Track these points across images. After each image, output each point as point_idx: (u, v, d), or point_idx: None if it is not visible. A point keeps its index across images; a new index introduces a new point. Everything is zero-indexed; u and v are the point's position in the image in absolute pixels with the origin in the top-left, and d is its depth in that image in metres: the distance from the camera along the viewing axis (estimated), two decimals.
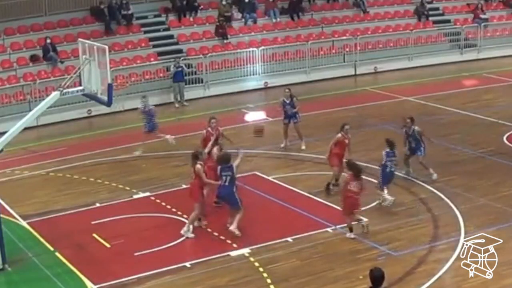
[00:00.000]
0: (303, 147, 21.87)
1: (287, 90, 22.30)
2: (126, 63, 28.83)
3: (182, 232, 16.20)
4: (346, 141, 18.30)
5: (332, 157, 18.34)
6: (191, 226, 16.25)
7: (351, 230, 15.95)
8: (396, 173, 19.33)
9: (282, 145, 22.16)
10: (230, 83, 29.92)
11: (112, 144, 23.00)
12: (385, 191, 17.47)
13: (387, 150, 17.66)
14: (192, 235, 16.17)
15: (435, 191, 18.20)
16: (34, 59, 28.11)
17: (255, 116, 25.37)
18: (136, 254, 15.44)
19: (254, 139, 22.57)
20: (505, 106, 26.01)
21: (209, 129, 18.59)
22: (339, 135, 18.23)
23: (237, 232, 15.94)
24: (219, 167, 16.15)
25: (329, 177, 18.97)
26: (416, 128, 18.79)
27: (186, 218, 16.88)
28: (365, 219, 16.14)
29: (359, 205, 15.97)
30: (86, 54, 15.85)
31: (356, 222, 16.03)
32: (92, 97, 16.33)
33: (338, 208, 17.31)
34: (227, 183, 16.01)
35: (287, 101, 22.01)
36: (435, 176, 18.79)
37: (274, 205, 17.93)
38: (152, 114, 21.98)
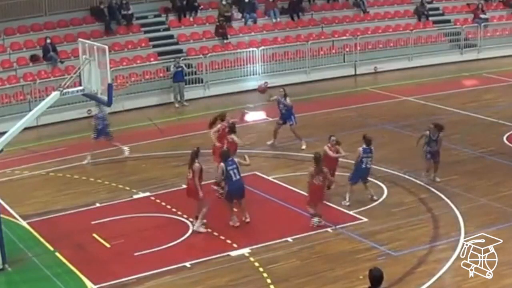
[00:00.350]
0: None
1: (281, 90, 22.28)
2: (126, 63, 28.82)
3: (194, 228, 16.34)
4: (331, 153, 17.74)
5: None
6: (204, 221, 16.37)
7: (317, 216, 16.45)
8: (396, 173, 19.40)
9: (269, 143, 22.11)
10: (230, 83, 29.91)
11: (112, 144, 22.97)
12: (349, 191, 17.78)
13: (364, 146, 17.75)
14: (204, 230, 16.31)
15: (435, 191, 18.20)
16: (34, 59, 28.10)
17: (255, 116, 25.36)
18: (136, 254, 15.44)
19: (254, 138, 22.64)
20: (505, 106, 26.01)
21: (225, 123, 18.93)
22: (325, 147, 17.85)
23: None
24: (223, 165, 16.22)
25: None
26: (441, 134, 18.45)
27: (186, 218, 16.91)
28: (316, 219, 16.44)
29: (322, 197, 16.67)
30: (86, 54, 15.85)
31: (313, 214, 16.49)
32: (92, 97, 16.34)
33: (339, 208, 17.38)
34: (237, 176, 16.31)
35: (282, 100, 22.01)
36: (437, 180, 18.70)
37: (274, 205, 17.93)
38: (105, 119, 21.54)
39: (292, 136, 22.21)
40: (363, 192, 17.98)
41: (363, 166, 17.69)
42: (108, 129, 21.65)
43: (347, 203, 17.61)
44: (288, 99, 22.00)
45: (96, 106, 21.52)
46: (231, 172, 16.26)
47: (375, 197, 17.88)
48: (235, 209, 16.60)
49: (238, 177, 16.36)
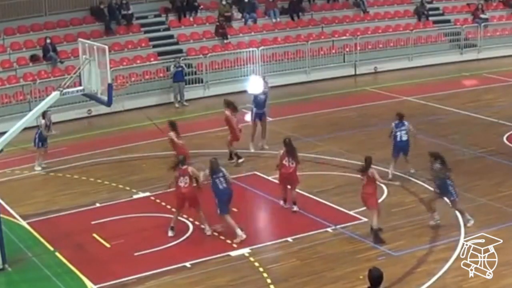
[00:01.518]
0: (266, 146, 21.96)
1: (265, 77, 22.61)
2: (126, 63, 28.83)
3: (208, 233, 16.21)
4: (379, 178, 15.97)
5: (369, 198, 15.78)
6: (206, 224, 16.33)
7: (285, 201, 17.41)
8: (396, 173, 19.37)
9: (252, 148, 21.81)
10: (230, 83, 29.90)
11: (112, 144, 22.99)
12: (392, 165, 18.86)
13: (396, 122, 18.95)
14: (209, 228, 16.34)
15: None
16: (34, 59, 28.11)
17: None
18: (136, 254, 15.45)
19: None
20: (505, 106, 26.01)
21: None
22: (374, 171, 15.69)
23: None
24: (208, 172, 15.99)
25: (329, 177, 19.03)
26: (437, 165, 16.02)
27: (186, 218, 16.89)
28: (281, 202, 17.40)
29: (296, 181, 17.27)
30: (86, 54, 15.86)
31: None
32: (92, 97, 16.34)
33: (339, 208, 17.38)
34: (225, 184, 15.89)
35: (265, 90, 22.06)
36: (471, 222, 16.11)
37: (274, 205, 17.92)
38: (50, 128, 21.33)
39: (290, 136, 22.14)
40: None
41: (398, 139, 18.78)
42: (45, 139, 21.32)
43: (390, 177, 18.46)
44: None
45: (46, 116, 21.09)
46: (216, 180, 15.84)
47: (411, 170, 18.96)
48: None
49: (225, 185, 15.87)
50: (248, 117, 23.59)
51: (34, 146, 21.25)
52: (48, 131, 21.12)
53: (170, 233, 16.28)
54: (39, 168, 21.10)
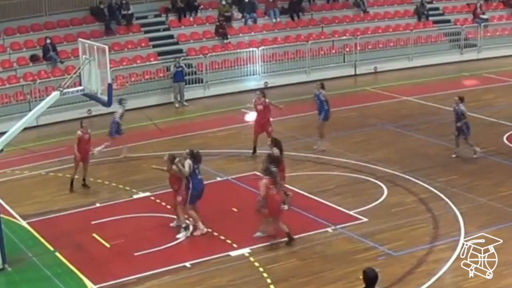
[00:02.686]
0: (319, 148, 21.56)
1: (318, 83, 22.01)
2: (126, 63, 28.84)
3: (203, 231, 16.23)
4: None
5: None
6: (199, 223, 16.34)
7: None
8: (396, 173, 19.39)
9: (321, 147, 21.57)
10: (230, 83, 29.91)
11: (112, 144, 22.96)
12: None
13: (463, 105, 20.36)
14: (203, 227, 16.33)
15: (435, 191, 18.18)
16: (34, 59, 28.11)
17: (254, 116, 25.36)
18: (136, 254, 15.44)
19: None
20: (505, 106, 25.99)
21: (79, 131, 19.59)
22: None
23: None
24: (190, 162, 16.10)
25: (329, 177, 19.00)
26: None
27: (187, 218, 16.86)
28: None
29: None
30: (86, 54, 15.85)
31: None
32: (92, 97, 16.33)
33: (339, 208, 17.37)
34: (200, 176, 16.29)
35: (316, 92, 21.64)
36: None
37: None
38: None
39: (290, 136, 22.17)
40: (364, 190, 18.05)
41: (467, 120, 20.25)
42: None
43: (477, 155, 20.28)
44: (323, 92, 21.55)
45: (121, 105, 21.85)
46: (196, 170, 16.15)
47: (477, 149, 20.36)
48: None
49: (201, 177, 16.32)
50: (247, 117, 23.62)
51: (109, 135, 21.54)
52: (121, 119, 21.56)
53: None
54: (96, 153, 21.10)
